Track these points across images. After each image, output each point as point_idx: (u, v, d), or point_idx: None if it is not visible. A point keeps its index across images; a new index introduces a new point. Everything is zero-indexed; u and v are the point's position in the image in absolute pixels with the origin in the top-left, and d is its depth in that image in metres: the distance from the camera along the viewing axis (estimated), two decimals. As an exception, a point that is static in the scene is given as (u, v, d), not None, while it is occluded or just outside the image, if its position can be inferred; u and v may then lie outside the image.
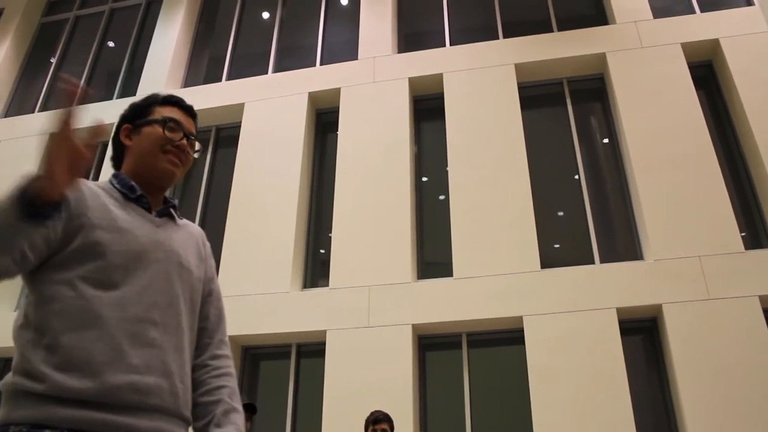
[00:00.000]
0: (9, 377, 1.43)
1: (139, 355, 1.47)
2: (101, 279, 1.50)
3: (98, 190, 1.62)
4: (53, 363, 1.39)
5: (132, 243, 1.57)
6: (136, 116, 1.78)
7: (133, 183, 1.69)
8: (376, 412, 4.60)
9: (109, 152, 8.45)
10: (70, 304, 1.45)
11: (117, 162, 1.78)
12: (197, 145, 1.81)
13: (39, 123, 10.56)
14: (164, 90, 10.21)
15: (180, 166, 1.75)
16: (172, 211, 1.79)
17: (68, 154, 1.26)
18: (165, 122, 1.74)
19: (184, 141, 1.76)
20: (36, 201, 1.26)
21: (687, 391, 6.56)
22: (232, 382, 1.75)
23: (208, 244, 1.90)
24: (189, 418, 1.60)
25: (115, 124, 1.81)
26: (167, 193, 1.83)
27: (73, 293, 1.46)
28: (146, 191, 1.72)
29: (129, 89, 10.84)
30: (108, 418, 1.39)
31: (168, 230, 1.72)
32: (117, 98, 10.76)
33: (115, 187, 1.69)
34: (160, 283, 1.60)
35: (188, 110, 1.83)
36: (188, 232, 1.80)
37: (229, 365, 1.79)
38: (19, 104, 11.41)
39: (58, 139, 1.25)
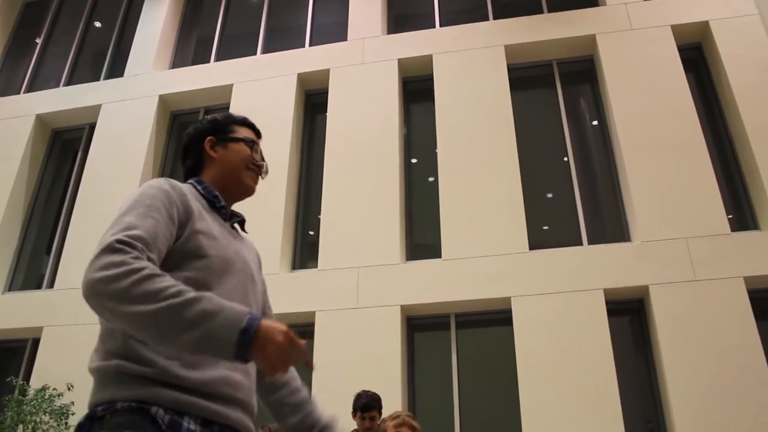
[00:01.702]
0: (106, 361, 1.52)
1: (223, 362, 1.59)
2: (201, 280, 1.60)
3: (191, 195, 1.75)
4: (159, 352, 1.50)
5: (224, 250, 1.70)
6: (218, 131, 1.92)
7: (217, 193, 1.84)
8: (364, 396, 4.50)
9: (98, 137, 8.34)
10: None
11: (195, 169, 1.91)
12: (265, 167, 1.96)
13: (25, 104, 10.44)
14: (152, 70, 10.13)
15: (256, 184, 1.93)
16: (239, 225, 1.96)
17: (287, 360, 1.42)
18: (252, 143, 1.92)
19: (264, 164, 1.94)
20: (246, 356, 1.40)
21: (673, 372, 6.62)
22: (301, 383, 2.02)
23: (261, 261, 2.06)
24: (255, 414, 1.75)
25: (190, 136, 1.94)
26: None
27: None
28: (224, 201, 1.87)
29: (116, 70, 10.72)
30: (205, 404, 1.51)
31: (239, 242, 1.87)
32: (104, 79, 10.64)
33: (200, 193, 1.83)
34: (239, 291, 1.72)
35: (260, 134, 2.01)
36: (249, 247, 1.96)
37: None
38: (5, 85, 11.27)
39: (291, 356, 1.43)
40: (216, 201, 1.82)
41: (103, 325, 1.58)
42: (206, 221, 1.70)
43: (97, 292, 1.39)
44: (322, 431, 1.94)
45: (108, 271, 1.39)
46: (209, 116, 1.97)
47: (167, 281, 1.42)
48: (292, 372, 2.00)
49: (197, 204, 1.73)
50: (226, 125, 1.93)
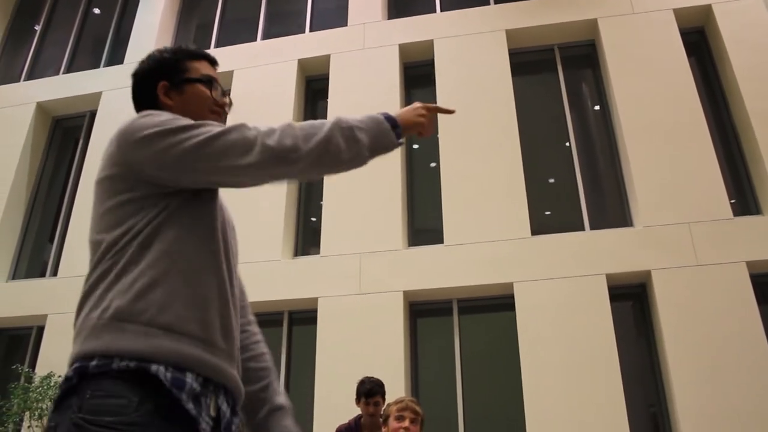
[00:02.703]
0: (99, 311, 1.39)
1: (222, 305, 1.49)
2: (205, 232, 1.52)
3: None
4: (160, 296, 1.40)
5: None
6: (170, 73, 1.70)
7: None
8: (368, 382, 4.49)
9: (99, 125, 8.26)
10: (181, 248, 1.47)
11: None
12: (229, 101, 1.79)
13: (25, 92, 10.41)
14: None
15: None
16: None
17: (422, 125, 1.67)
18: (210, 82, 1.71)
19: (227, 99, 1.76)
20: (401, 133, 1.61)
21: (675, 356, 6.64)
22: (267, 348, 1.85)
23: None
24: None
25: (137, 78, 1.74)
26: None
27: (184, 238, 1.49)
28: None
29: (116, 57, 10.69)
30: (208, 358, 1.41)
31: None
32: (104, 66, 10.61)
33: None
34: (222, 228, 1.61)
35: (215, 63, 1.81)
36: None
37: (258, 330, 1.87)
38: (4, 74, 11.24)
39: (426, 117, 1.68)
40: None
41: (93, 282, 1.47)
42: None
43: (289, 151, 1.45)
44: (274, 412, 1.73)
45: (271, 139, 1.45)
46: (156, 53, 1.74)
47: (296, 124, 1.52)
48: (257, 334, 1.84)
49: None
50: (175, 64, 1.70)
